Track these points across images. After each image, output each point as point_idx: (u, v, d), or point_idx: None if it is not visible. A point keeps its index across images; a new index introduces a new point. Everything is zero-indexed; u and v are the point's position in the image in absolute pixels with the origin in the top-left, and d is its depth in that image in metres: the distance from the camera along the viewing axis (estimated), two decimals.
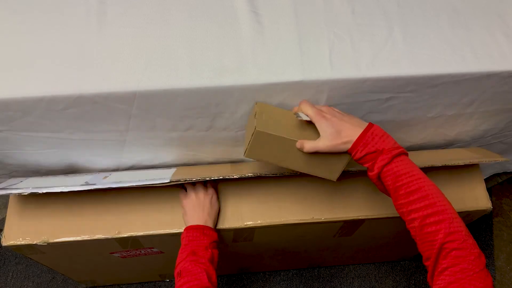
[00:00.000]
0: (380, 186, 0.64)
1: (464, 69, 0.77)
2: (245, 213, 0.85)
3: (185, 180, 0.78)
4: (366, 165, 0.63)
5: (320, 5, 0.81)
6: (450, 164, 0.84)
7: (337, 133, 0.63)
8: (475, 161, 0.85)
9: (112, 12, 0.78)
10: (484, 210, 0.87)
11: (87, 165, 0.93)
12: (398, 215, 0.82)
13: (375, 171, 0.61)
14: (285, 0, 0.81)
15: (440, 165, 0.83)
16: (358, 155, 0.62)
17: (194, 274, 0.68)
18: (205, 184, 0.85)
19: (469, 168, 0.90)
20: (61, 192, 0.76)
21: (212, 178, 0.79)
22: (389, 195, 0.64)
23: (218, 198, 0.85)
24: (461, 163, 0.84)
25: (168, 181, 0.76)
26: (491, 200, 0.90)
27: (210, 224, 0.78)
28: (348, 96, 0.79)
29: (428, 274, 0.56)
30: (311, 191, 0.87)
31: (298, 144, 0.67)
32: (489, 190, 1.33)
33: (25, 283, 1.29)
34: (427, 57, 0.78)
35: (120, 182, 0.77)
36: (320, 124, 0.65)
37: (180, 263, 0.71)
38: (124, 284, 1.31)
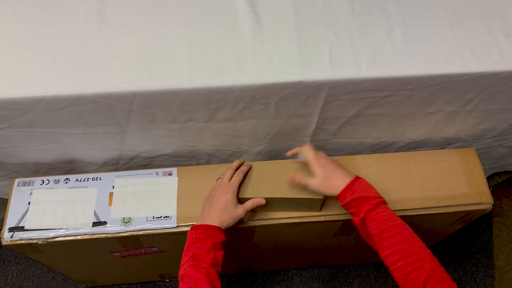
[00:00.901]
0: (363, 232, 0.71)
1: (464, 69, 0.77)
2: None
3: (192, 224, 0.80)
4: (353, 210, 0.70)
5: (320, 5, 0.81)
6: (426, 213, 0.86)
7: (328, 178, 0.73)
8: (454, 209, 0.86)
9: (112, 12, 0.78)
10: (483, 210, 0.87)
11: (88, 159, 0.93)
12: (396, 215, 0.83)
13: (361, 215, 0.68)
14: (285, 0, 0.81)
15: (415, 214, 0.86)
16: (346, 200, 0.70)
17: (194, 280, 0.67)
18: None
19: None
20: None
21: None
22: (371, 240, 0.70)
23: (236, 204, 0.77)
24: (440, 211, 0.86)
25: (175, 225, 0.82)
26: None
27: (217, 222, 0.74)
28: (347, 94, 0.79)
29: None
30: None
31: (288, 178, 0.76)
32: None
33: (25, 283, 1.29)
34: (427, 57, 0.78)
35: (129, 223, 0.82)
36: (315, 168, 0.74)
37: (182, 266, 0.70)
38: (124, 284, 1.31)
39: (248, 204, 0.78)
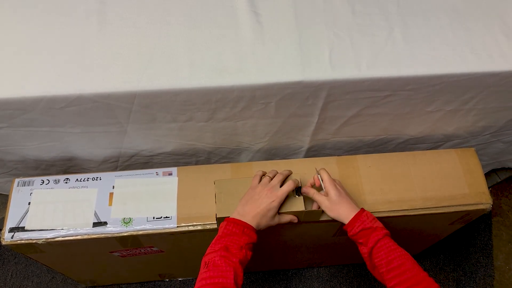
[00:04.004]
0: (369, 263, 0.73)
1: (464, 69, 0.77)
2: None
3: (194, 225, 0.81)
4: (361, 240, 0.73)
5: (320, 5, 0.81)
6: (426, 213, 0.86)
7: (339, 204, 0.75)
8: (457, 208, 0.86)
9: (112, 12, 0.78)
10: (483, 210, 0.87)
11: (88, 157, 0.94)
12: (396, 215, 0.83)
13: (369, 244, 0.71)
14: (285, 0, 0.81)
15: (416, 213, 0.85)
16: (354, 231, 0.73)
17: (221, 270, 0.67)
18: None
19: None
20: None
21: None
22: (377, 271, 0.71)
23: (276, 214, 0.76)
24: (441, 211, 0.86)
25: (175, 226, 0.81)
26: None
27: (254, 224, 0.74)
28: (347, 94, 0.79)
29: None
30: None
31: (304, 189, 0.79)
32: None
33: (25, 283, 1.29)
34: (427, 57, 0.78)
35: (129, 224, 0.81)
36: (330, 190, 0.76)
37: (210, 254, 0.70)
38: (124, 284, 1.31)
39: (286, 218, 0.78)
